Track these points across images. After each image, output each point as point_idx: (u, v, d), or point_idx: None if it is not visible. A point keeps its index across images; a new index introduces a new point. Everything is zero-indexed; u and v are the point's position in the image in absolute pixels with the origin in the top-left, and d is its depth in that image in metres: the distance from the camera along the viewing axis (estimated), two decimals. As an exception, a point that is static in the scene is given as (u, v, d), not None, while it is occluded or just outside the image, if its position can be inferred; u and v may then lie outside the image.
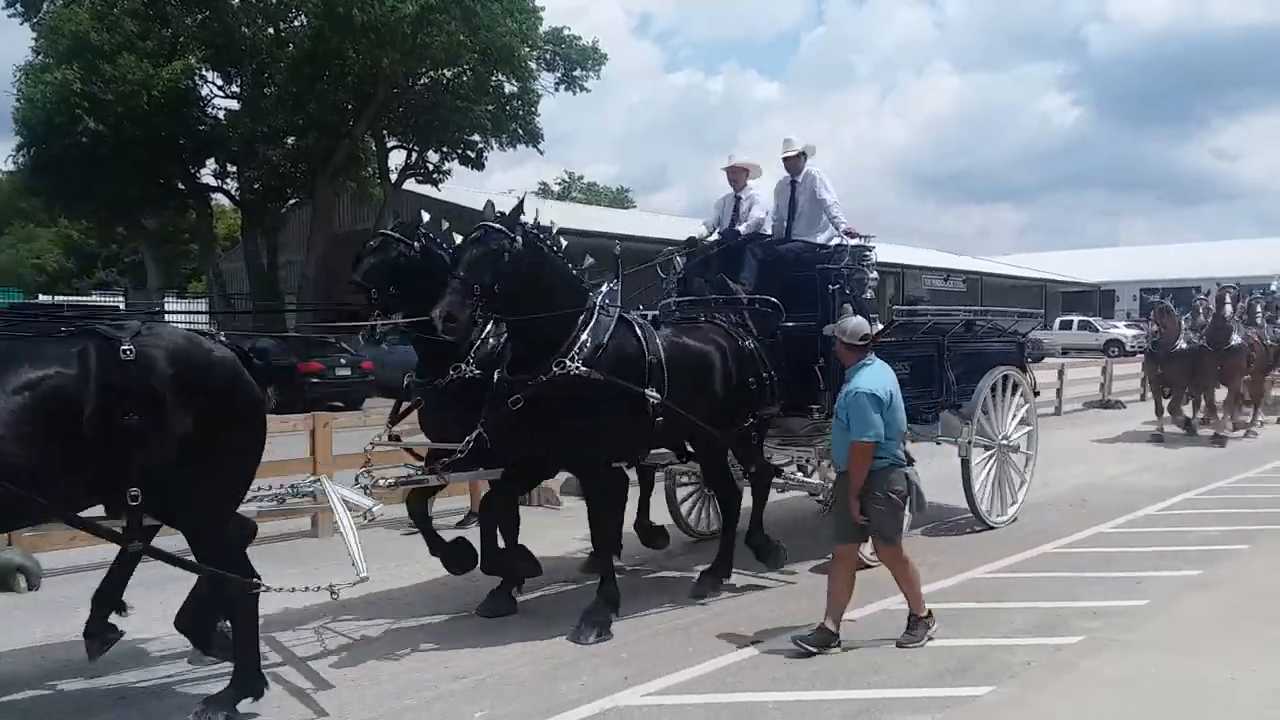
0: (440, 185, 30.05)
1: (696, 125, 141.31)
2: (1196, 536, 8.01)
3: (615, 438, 5.72)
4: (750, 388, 6.46)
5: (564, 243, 5.84)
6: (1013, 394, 8.60)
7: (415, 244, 5.96)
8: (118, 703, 4.68)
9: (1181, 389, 14.75)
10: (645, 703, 4.59)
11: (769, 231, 7.61)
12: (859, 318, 5.37)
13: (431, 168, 29.43)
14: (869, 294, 7.15)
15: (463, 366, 5.90)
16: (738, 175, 7.68)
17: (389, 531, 7.91)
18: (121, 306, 33.21)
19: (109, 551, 6.87)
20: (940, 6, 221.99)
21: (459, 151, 28.79)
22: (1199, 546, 7.64)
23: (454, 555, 6.11)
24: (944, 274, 49.56)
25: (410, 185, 30.35)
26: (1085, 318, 42.95)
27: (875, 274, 7.21)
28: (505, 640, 5.51)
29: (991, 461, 8.31)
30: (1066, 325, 41.49)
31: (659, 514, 7.77)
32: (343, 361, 19.20)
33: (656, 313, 6.97)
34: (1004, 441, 8.42)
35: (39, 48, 24.70)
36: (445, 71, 27.00)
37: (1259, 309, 15.91)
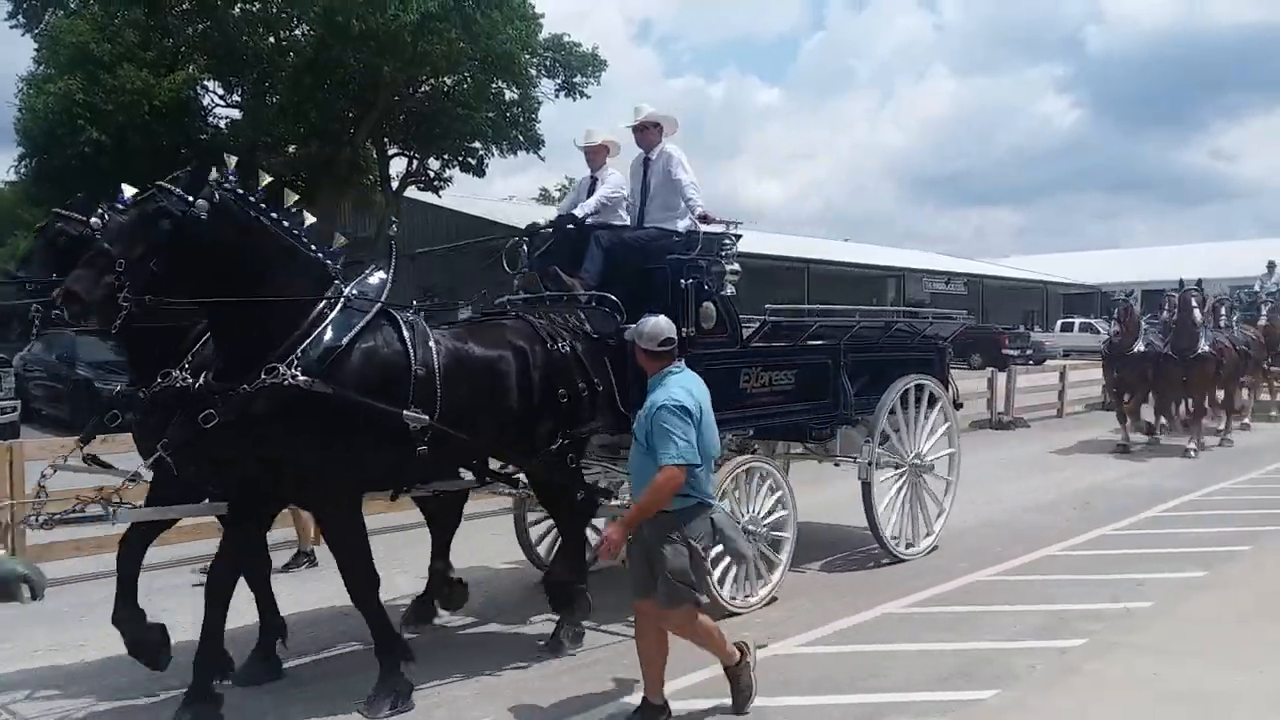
0: (441, 192, 30.14)
1: (697, 131, 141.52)
2: (1200, 538, 8.01)
3: (354, 470, 4.51)
4: (562, 401, 5.27)
5: (305, 218, 4.76)
6: (929, 407, 7.61)
7: (96, 220, 4.88)
8: (122, 714, 4.68)
9: (1141, 395, 13.84)
10: (649, 708, 4.58)
11: (626, 218, 6.60)
12: (660, 318, 4.42)
13: (432, 175, 29.54)
14: (729, 290, 6.10)
15: (175, 372, 4.56)
16: (596, 155, 6.66)
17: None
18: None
19: (113, 562, 6.89)
20: (939, 10, 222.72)
21: (460, 159, 28.89)
22: (1202, 548, 7.63)
23: (141, 641, 4.85)
24: (945, 277, 49.60)
25: (411, 192, 30.44)
26: (1086, 320, 42.93)
27: (737, 266, 6.13)
28: (517, 645, 5.51)
29: (902, 484, 7.36)
30: (1068, 327, 41.47)
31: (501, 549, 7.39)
32: None
33: (469, 311, 5.88)
34: (917, 461, 7.46)
35: (40, 58, 24.81)
36: (446, 79, 27.11)
37: (1223, 310, 14.86)
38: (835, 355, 6.95)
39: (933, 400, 7.64)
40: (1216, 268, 36.57)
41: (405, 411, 4.49)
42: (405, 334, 4.70)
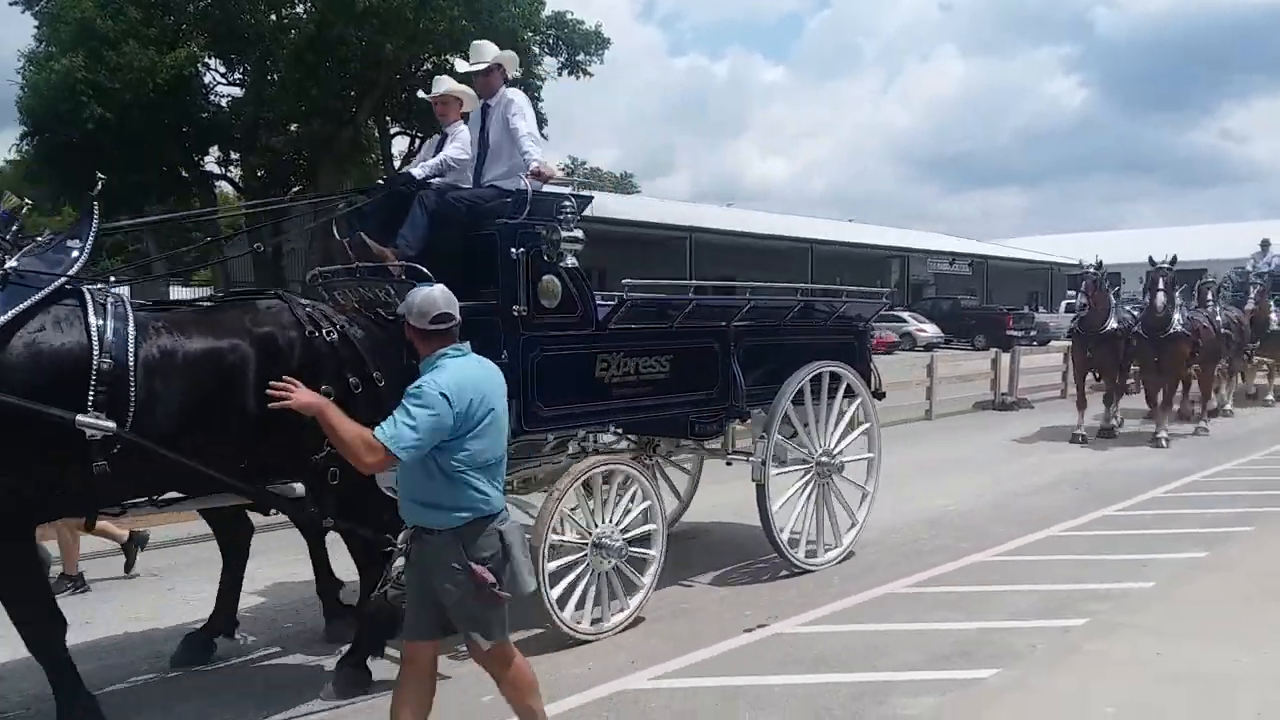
0: (443, 172, 30.06)
1: (701, 109, 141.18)
2: (1202, 519, 8.01)
3: (5, 493, 3.66)
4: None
5: None
6: (844, 398, 6.81)
7: None
8: (125, 692, 4.71)
9: (1112, 377, 12.97)
10: (653, 686, 4.62)
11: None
12: (434, 290, 3.59)
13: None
14: (571, 261, 5.11)
15: None
16: (446, 109, 5.81)
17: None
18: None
19: (113, 541, 6.94)
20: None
21: (462, 137, 28.78)
22: (1204, 529, 7.64)
23: None
24: (949, 258, 49.48)
25: (414, 172, 30.36)
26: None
27: (579, 234, 5.13)
28: (511, 626, 5.52)
29: (806, 485, 6.53)
30: (1072, 308, 41.39)
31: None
32: None
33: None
34: (825, 460, 6.61)
35: (42, 36, 24.71)
36: (448, 57, 26.95)
37: (1209, 294, 14.27)
38: (724, 339, 6.08)
39: (849, 391, 6.81)
40: (1222, 249, 36.47)
41: (80, 417, 3.63)
42: (92, 318, 3.83)
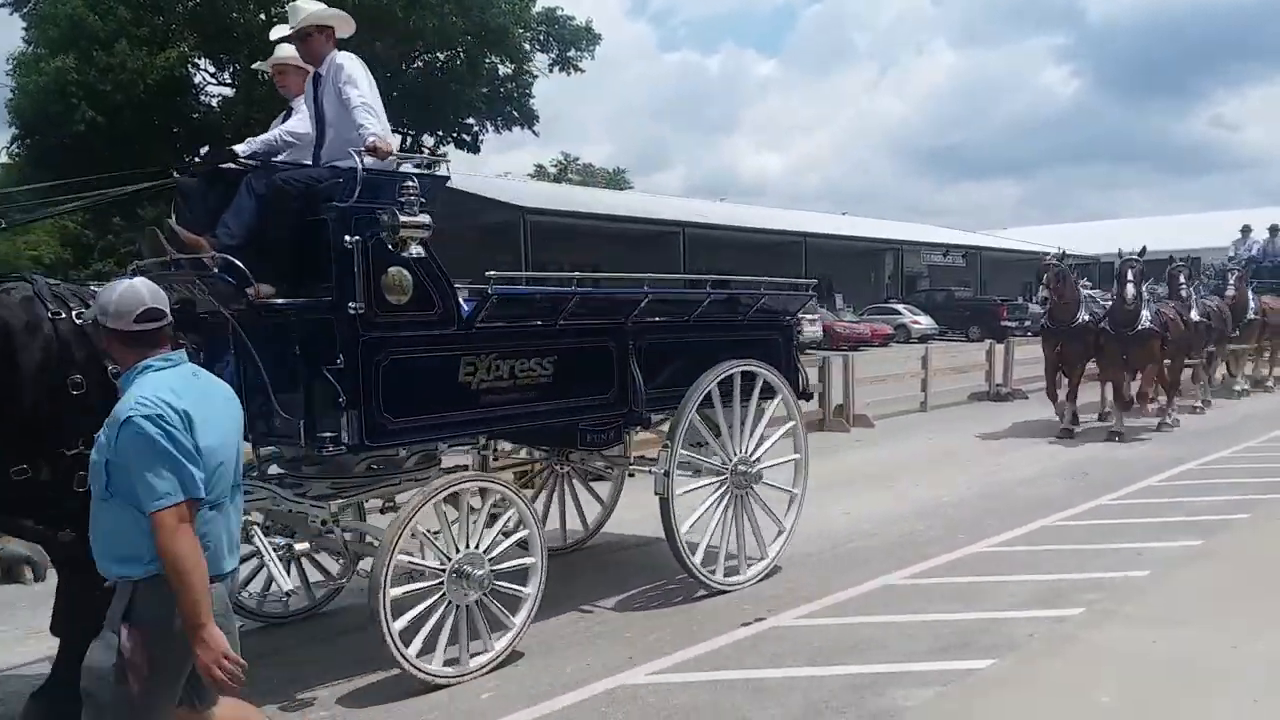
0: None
1: (694, 105, 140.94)
2: (1197, 507, 8.04)
3: None
4: (55, 402, 3.66)
5: None
6: (764, 400, 6.22)
7: None
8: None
9: (1080, 373, 12.39)
10: (650, 681, 4.63)
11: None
12: (135, 283, 2.89)
13: (427, 152, 29.37)
14: (416, 250, 4.49)
15: None
16: (285, 78, 5.31)
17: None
18: None
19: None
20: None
21: (454, 135, 28.74)
22: (1200, 517, 7.66)
23: None
24: (943, 249, 49.54)
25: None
26: (1089, 291, 42.90)
27: (426, 219, 4.50)
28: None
29: (720, 497, 5.95)
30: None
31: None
32: None
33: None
34: (743, 468, 6.03)
35: (31, 37, 24.61)
36: (439, 54, 26.94)
37: (1182, 279, 13.45)
38: (621, 337, 5.48)
39: (768, 391, 6.23)
40: (1216, 237, 36.52)
41: None
42: None
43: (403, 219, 4.38)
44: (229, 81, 27.71)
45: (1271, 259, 18.03)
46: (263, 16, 26.05)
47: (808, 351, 26.98)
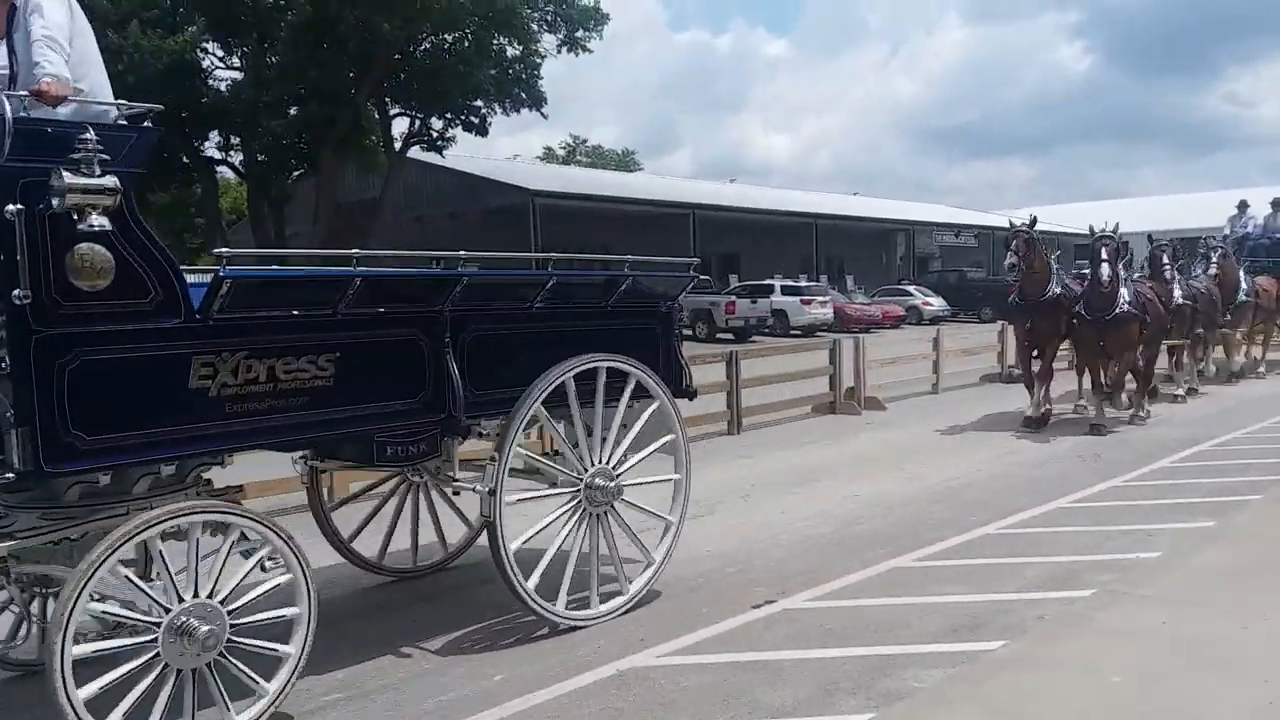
0: (444, 152, 29.96)
1: (704, 85, 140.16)
2: (1210, 488, 8.01)
3: None
4: None
5: None
6: (632, 403, 5.37)
7: None
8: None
9: (1053, 354, 11.60)
10: (662, 663, 4.65)
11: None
12: None
13: (435, 134, 29.33)
14: (98, 222, 3.42)
15: None
16: None
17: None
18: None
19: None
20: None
21: (462, 117, 28.66)
22: (1212, 498, 7.63)
23: None
24: (955, 229, 49.24)
25: (415, 153, 30.28)
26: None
27: (111, 181, 3.45)
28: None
29: (572, 516, 5.12)
30: (1080, 278, 41.19)
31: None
32: None
33: None
34: (601, 482, 5.16)
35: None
36: (446, 35, 26.84)
37: (1165, 258, 12.64)
38: (435, 328, 4.61)
39: (640, 391, 5.36)
40: (1228, 215, 36.23)
41: None
42: None
43: (72, 181, 3.33)
44: (237, 65, 27.68)
45: (1271, 235, 16.84)
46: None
47: (819, 334, 27.04)
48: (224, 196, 36.81)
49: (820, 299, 30.65)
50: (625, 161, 68.61)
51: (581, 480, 5.14)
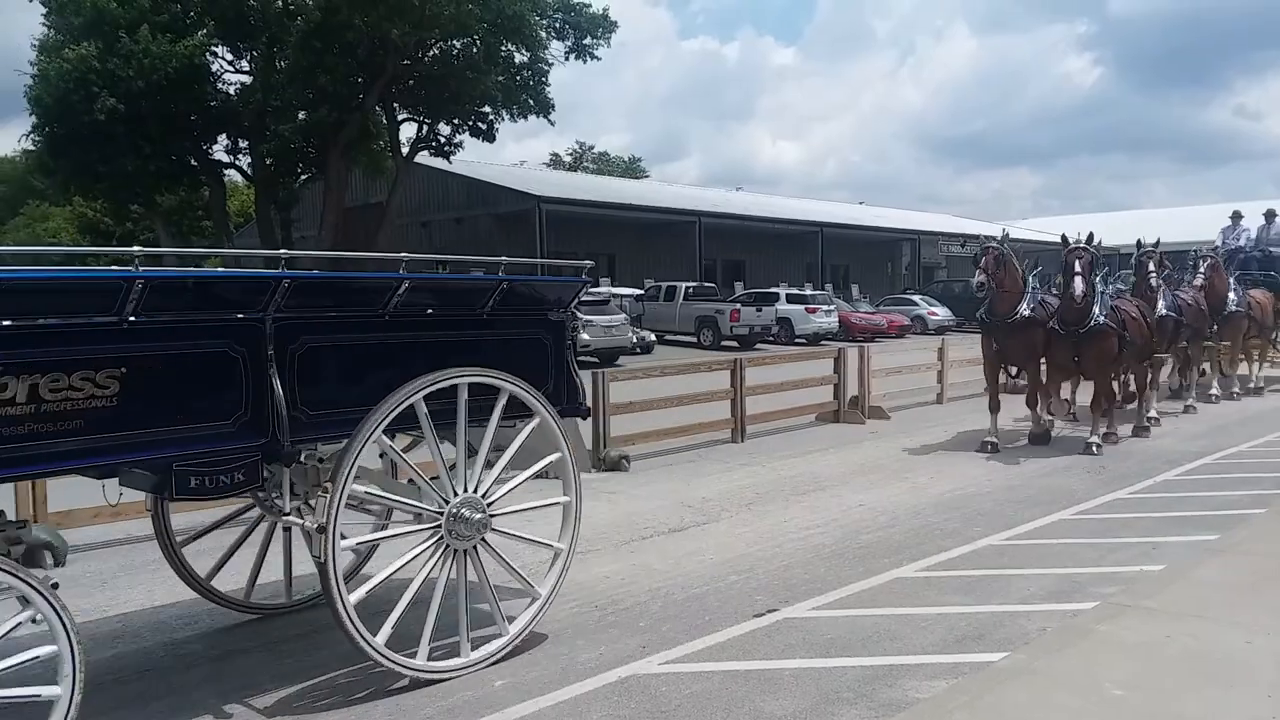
0: (452, 158, 30.05)
1: (711, 93, 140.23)
2: (1214, 501, 7.99)
3: None
4: None
5: None
6: (515, 422, 4.85)
7: None
8: (144, 674, 4.77)
9: (1034, 372, 11.13)
10: (663, 670, 4.65)
11: None
12: None
13: (443, 140, 29.41)
14: None
15: None
16: None
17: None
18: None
19: (132, 527, 7.04)
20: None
21: (470, 123, 28.74)
22: (1216, 511, 7.62)
23: None
24: (961, 239, 49.17)
25: (422, 158, 30.36)
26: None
27: None
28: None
29: (431, 552, 4.54)
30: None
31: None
32: None
33: None
34: (466, 514, 4.57)
35: (51, 24, 24.77)
36: (455, 42, 26.94)
37: (1151, 266, 11.90)
38: (254, 339, 4.06)
39: (519, 411, 4.80)
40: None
41: None
42: None
43: None
44: (246, 70, 27.79)
45: (1265, 248, 16.02)
46: (279, 3, 26.12)
47: (824, 342, 27.04)
48: (232, 200, 36.94)
49: (825, 307, 30.67)
50: (631, 168, 68.71)
51: (444, 512, 4.54)
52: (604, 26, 29.08)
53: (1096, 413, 10.79)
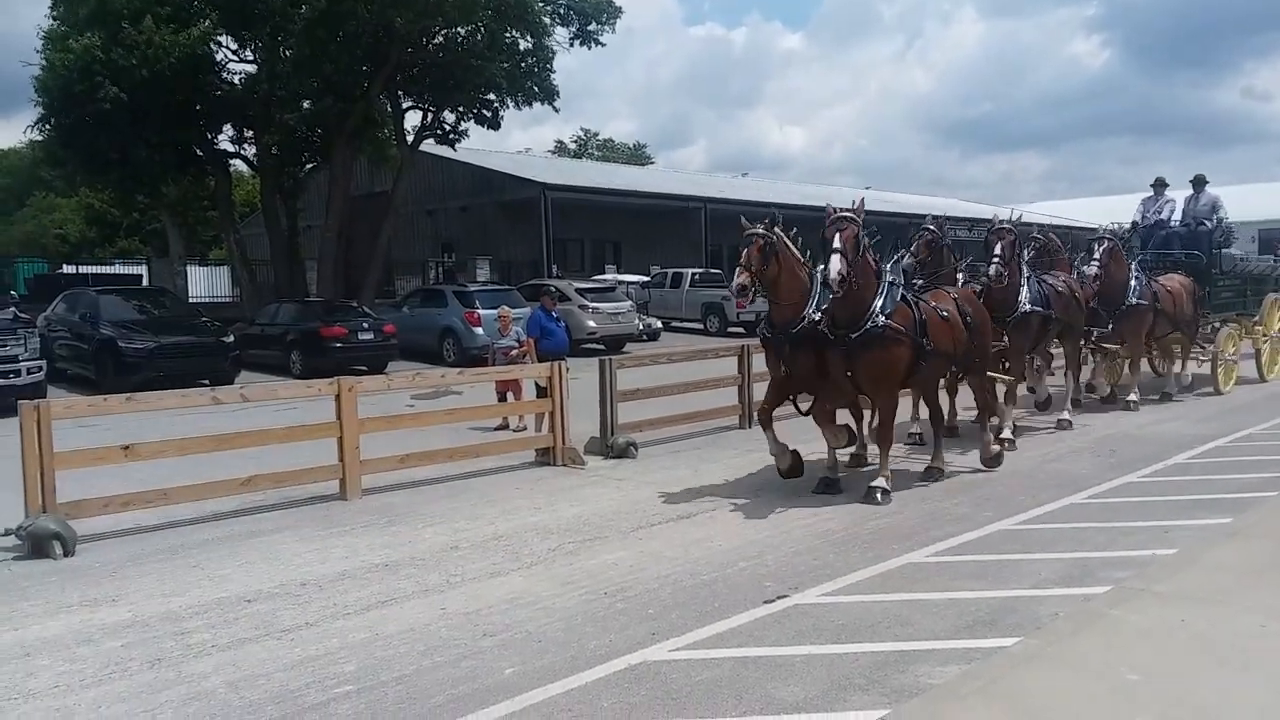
0: (456, 145, 29.95)
1: (718, 79, 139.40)
2: (1226, 484, 7.93)
3: None
4: None
5: None
6: None
7: None
8: (153, 665, 4.77)
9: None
10: (673, 657, 4.63)
11: None
12: None
13: (448, 128, 29.30)
14: None
15: None
16: None
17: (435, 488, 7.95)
18: (144, 274, 33.63)
19: (140, 518, 7.04)
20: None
21: (475, 111, 28.63)
22: (1228, 494, 7.56)
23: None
24: (968, 224, 48.99)
25: (427, 146, 30.28)
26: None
27: None
28: (533, 599, 5.56)
29: None
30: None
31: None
32: (365, 326, 19.29)
33: None
34: None
35: (57, 14, 24.75)
36: (459, 29, 26.79)
37: (998, 249, 9.65)
38: None
39: None
40: (1244, 210, 35.92)
41: None
42: None
43: None
44: (251, 59, 27.71)
45: (1189, 221, 13.66)
46: (284, -7, 25.98)
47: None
48: (237, 189, 36.91)
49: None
50: (637, 155, 68.48)
51: None
52: (609, 13, 28.86)
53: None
